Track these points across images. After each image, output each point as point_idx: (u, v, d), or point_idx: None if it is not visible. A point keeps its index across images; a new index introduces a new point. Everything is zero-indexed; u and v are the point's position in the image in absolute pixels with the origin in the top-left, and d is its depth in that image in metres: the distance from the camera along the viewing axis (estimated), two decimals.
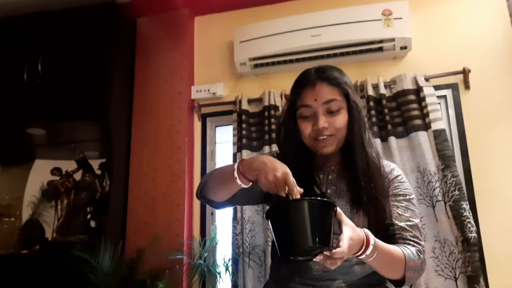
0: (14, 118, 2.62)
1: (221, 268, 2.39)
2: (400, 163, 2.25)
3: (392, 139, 2.30)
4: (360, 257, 1.02)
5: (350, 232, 0.96)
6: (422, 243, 1.19)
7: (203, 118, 2.80)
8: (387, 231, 1.18)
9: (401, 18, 2.38)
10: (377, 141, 2.30)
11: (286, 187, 0.99)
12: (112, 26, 2.66)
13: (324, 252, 0.91)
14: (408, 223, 1.19)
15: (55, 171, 2.73)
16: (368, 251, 1.01)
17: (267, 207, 1.20)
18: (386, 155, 2.28)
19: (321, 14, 2.52)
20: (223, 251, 2.48)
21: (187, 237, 2.52)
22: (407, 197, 1.24)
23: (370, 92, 2.40)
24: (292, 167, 1.08)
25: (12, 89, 2.62)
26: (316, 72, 1.22)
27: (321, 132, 1.18)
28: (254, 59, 2.62)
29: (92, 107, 2.52)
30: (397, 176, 1.27)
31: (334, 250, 0.91)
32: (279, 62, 2.61)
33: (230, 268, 2.37)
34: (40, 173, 2.91)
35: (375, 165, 1.22)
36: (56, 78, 2.58)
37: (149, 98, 2.80)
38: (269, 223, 0.97)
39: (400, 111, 2.38)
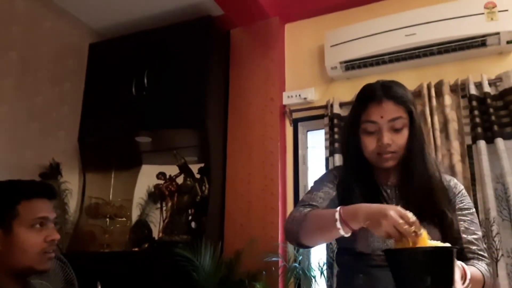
0: (124, 127, 2.90)
1: (316, 272, 2.40)
2: (509, 167, 2.08)
3: (499, 141, 2.14)
4: None
5: (458, 272, 1.00)
6: (486, 255, 1.22)
7: (295, 123, 2.84)
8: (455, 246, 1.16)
9: (506, 11, 2.21)
10: (481, 144, 2.15)
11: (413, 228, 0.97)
12: (209, 39, 2.83)
13: None
14: (475, 236, 1.22)
15: (160, 175, 2.94)
16: (466, 283, 1.03)
17: None
18: (492, 159, 2.12)
19: (415, 12, 2.43)
20: (318, 255, 2.49)
21: (281, 240, 2.58)
22: (471, 210, 1.27)
23: (473, 91, 2.26)
24: (355, 180, 1.21)
25: (122, 102, 2.91)
26: (382, 89, 1.24)
27: (384, 148, 1.21)
28: (345, 62, 2.60)
29: (192, 116, 2.70)
30: (461, 190, 1.30)
31: None
32: (371, 64, 2.56)
33: (325, 272, 2.38)
34: (147, 177, 3.19)
35: (437, 180, 1.24)
36: (159, 90, 2.82)
37: (243, 105, 2.91)
38: (387, 259, 0.98)
39: (507, 110, 2.20)
